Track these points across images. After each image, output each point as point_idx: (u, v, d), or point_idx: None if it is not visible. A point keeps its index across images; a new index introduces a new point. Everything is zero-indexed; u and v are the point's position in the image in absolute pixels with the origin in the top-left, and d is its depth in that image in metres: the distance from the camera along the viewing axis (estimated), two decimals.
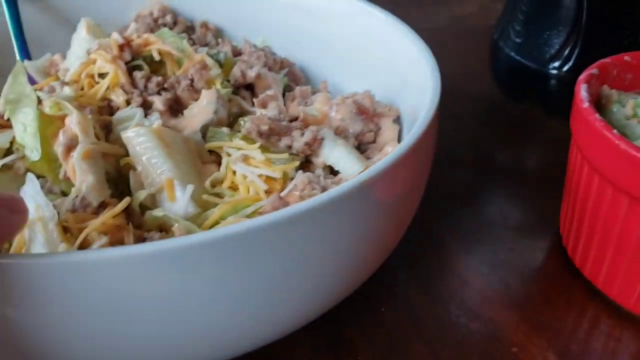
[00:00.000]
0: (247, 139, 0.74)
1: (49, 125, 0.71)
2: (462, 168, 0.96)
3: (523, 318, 0.72)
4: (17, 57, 0.92)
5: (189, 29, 1.04)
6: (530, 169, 1.00)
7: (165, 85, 0.83)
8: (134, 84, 0.82)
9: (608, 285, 0.74)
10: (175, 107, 0.82)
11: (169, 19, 1.02)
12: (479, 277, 0.78)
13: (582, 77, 0.75)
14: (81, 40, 0.91)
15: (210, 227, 0.66)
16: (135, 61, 0.84)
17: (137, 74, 0.82)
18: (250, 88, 0.90)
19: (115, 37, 0.83)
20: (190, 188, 0.67)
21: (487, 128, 1.08)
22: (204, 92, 0.82)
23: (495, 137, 1.06)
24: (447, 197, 0.90)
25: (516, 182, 0.95)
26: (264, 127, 0.73)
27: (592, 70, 0.76)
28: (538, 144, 1.05)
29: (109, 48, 0.82)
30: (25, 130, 0.71)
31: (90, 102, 0.78)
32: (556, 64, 1.05)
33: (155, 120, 0.76)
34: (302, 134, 0.74)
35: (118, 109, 0.80)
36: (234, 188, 0.72)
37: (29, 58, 0.93)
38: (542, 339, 0.70)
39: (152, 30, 0.98)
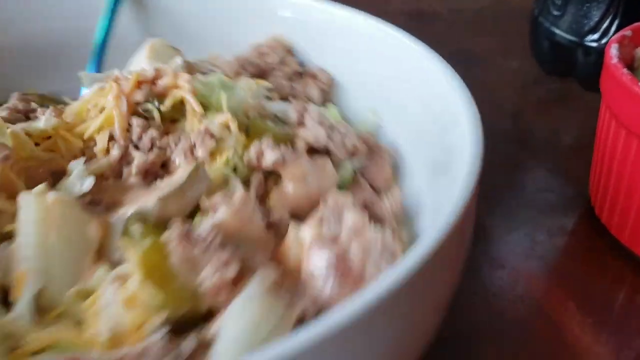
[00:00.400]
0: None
1: None
2: (501, 141, 0.98)
3: (547, 269, 0.74)
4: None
5: (297, 75, 0.89)
6: (568, 141, 1.02)
7: (159, 144, 0.69)
8: (128, 131, 0.69)
9: (632, 240, 0.75)
10: (157, 174, 0.68)
11: (275, 57, 0.88)
12: (504, 231, 0.80)
13: (614, 37, 0.77)
14: (139, 62, 0.82)
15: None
16: (147, 104, 0.71)
17: (136, 121, 0.69)
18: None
19: (118, 73, 0.73)
20: (29, 290, 0.54)
21: (526, 102, 1.10)
22: (181, 167, 0.67)
23: (534, 111, 1.08)
24: (487, 169, 0.91)
25: (554, 154, 0.97)
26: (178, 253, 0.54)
27: (625, 32, 0.77)
28: (576, 117, 1.06)
29: (124, 81, 0.71)
30: None
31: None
32: (595, 36, 1.06)
33: (87, 184, 0.63)
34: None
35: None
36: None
37: (100, 69, 0.89)
38: (564, 290, 0.72)
39: (262, 72, 0.86)
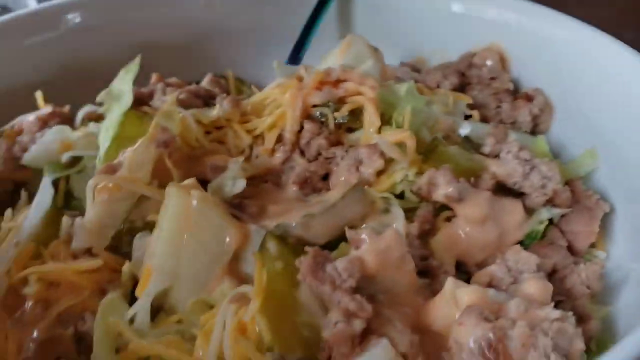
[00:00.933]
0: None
1: (131, 130, 0.62)
2: None
3: None
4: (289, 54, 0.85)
5: (507, 94, 0.76)
6: None
7: (326, 154, 0.63)
8: (298, 134, 0.63)
9: None
10: (315, 186, 0.62)
11: (486, 70, 0.76)
12: None
13: None
14: (332, 58, 0.75)
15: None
16: (324, 108, 0.64)
17: (307, 125, 0.63)
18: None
19: (302, 72, 0.66)
20: (152, 288, 0.52)
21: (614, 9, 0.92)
22: (341, 183, 0.60)
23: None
24: None
25: None
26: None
27: None
28: None
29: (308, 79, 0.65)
30: (106, 131, 0.63)
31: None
32: None
33: (238, 186, 0.58)
34: None
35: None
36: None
37: (297, 61, 0.84)
38: None
39: (466, 85, 0.76)
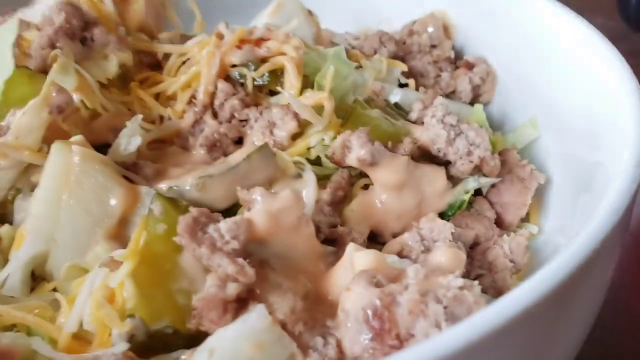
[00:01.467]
0: None
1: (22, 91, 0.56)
2: None
3: None
4: None
5: (448, 62, 0.73)
6: None
7: (239, 116, 0.59)
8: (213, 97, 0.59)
9: None
10: (226, 150, 0.58)
11: (426, 37, 0.72)
12: None
13: None
14: (262, 17, 0.72)
15: None
16: (243, 68, 0.60)
17: (221, 85, 0.59)
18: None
19: (223, 29, 0.62)
20: (24, 253, 0.48)
21: None
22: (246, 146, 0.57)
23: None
24: None
25: None
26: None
27: None
28: None
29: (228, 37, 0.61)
30: None
31: None
32: None
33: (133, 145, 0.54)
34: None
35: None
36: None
37: None
38: None
39: (406, 53, 0.72)
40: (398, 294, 0.40)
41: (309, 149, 0.55)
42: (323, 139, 0.55)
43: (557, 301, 0.35)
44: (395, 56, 0.71)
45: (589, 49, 0.58)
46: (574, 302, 0.39)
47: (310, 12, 0.72)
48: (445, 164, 0.57)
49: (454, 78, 0.71)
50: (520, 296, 0.33)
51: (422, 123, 0.59)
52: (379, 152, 0.53)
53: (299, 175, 0.54)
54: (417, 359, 0.31)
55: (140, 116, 0.55)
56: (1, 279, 0.47)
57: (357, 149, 0.52)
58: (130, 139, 0.53)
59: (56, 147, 0.49)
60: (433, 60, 0.72)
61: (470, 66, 0.71)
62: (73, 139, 0.51)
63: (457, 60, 0.73)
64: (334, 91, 0.58)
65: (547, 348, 0.39)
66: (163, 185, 0.50)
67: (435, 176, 0.55)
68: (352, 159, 0.52)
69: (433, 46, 0.73)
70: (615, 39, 1.05)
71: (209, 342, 0.40)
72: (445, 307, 0.39)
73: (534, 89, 0.66)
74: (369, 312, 0.39)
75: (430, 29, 0.73)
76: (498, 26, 0.70)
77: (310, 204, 0.50)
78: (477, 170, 0.57)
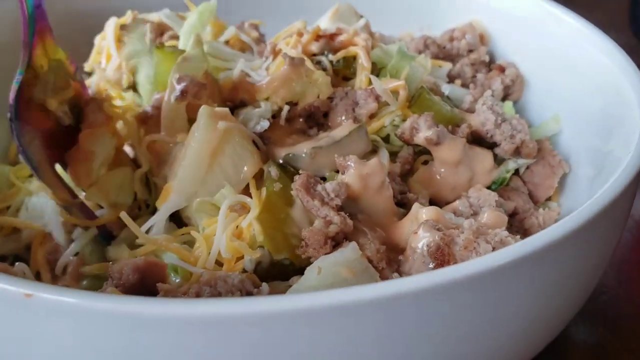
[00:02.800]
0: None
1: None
2: None
3: None
4: None
5: (483, 65, 0.84)
6: None
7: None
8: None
9: None
10: (318, 121, 0.69)
11: (464, 43, 0.84)
12: None
13: None
14: (322, 22, 0.81)
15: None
16: (322, 57, 0.71)
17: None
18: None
19: (301, 26, 0.75)
20: (166, 208, 0.59)
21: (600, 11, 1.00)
22: (344, 124, 0.66)
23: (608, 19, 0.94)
24: None
25: None
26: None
27: None
28: None
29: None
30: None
31: None
32: None
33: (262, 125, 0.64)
34: None
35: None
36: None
37: None
38: None
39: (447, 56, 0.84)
40: (456, 236, 0.52)
41: (382, 127, 0.67)
42: (394, 120, 0.67)
43: (592, 230, 0.47)
44: (436, 58, 0.84)
45: (608, 58, 0.70)
46: (602, 236, 0.51)
47: (362, 16, 0.84)
48: (491, 147, 0.70)
49: (487, 79, 0.83)
50: (565, 222, 0.45)
51: (473, 113, 0.72)
52: (443, 133, 0.65)
53: (374, 152, 0.65)
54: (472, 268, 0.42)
55: (269, 104, 0.66)
56: (148, 226, 0.58)
57: (424, 130, 0.64)
58: (260, 120, 0.64)
59: (204, 113, 0.59)
60: (470, 63, 0.84)
61: (502, 69, 0.84)
62: (218, 109, 0.61)
63: (491, 64, 0.86)
64: (407, 80, 0.70)
65: (578, 274, 0.52)
66: (281, 152, 0.62)
67: (484, 157, 0.68)
68: (420, 138, 0.64)
69: (470, 51, 0.85)
70: (630, 56, 1.11)
71: (316, 263, 0.52)
72: (493, 248, 0.51)
73: (557, 90, 0.78)
74: (433, 247, 0.52)
75: (468, 36, 0.86)
76: (527, 35, 0.83)
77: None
78: (517, 153, 0.70)
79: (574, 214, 0.47)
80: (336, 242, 0.54)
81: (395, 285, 0.39)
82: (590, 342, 0.72)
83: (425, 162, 0.68)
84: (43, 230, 0.62)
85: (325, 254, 0.53)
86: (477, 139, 0.70)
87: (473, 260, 0.42)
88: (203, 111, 0.60)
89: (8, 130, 0.60)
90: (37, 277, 0.59)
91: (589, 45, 0.74)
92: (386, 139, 0.68)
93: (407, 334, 0.42)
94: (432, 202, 0.66)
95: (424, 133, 0.64)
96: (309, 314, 0.37)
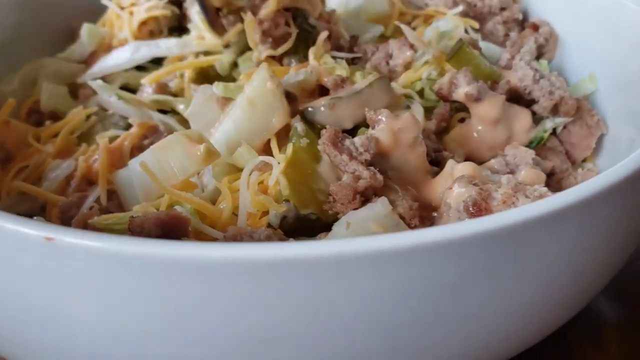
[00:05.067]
0: None
1: None
2: None
3: None
4: None
5: (516, 23, 0.82)
6: None
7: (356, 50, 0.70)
8: None
9: None
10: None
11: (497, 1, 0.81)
12: None
13: None
14: None
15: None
16: None
17: None
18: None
19: None
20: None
21: None
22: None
23: None
24: None
25: None
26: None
27: None
28: None
29: None
30: None
31: None
32: None
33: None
34: None
35: None
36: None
37: None
38: None
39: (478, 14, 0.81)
40: (493, 190, 0.50)
41: (418, 79, 0.65)
42: (430, 74, 0.65)
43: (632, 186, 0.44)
44: (466, 16, 0.81)
45: None
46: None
47: None
48: (529, 105, 0.67)
49: (520, 38, 0.80)
50: (608, 174, 0.42)
51: (510, 68, 0.69)
52: (483, 89, 0.62)
53: (407, 107, 0.62)
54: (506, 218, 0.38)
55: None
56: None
57: (464, 86, 0.61)
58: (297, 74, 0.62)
59: (261, 73, 0.58)
60: (503, 21, 0.81)
61: (535, 27, 0.80)
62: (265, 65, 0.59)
63: (524, 22, 0.83)
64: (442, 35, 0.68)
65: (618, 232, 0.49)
66: (306, 107, 0.59)
67: (523, 115, 0.65)
68: (459, 94, 0.62)
69: (502, 9, 0.82)
70: None
71: (344, 218, 0.50)
72: (532, 201, 0.48)
73: (593, 49, 0.75)
74: (469, 202, 0.49)
75: None
76: None
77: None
78: (555, 110, 0.67)
79: (616, 167, 0.43)
80: (365, 197, 0.52)
81: (433, 233, 0.36)
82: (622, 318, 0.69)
83: (462, 120, 0.65)
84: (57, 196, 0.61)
85: (354, 209, 0.51)
86: (515, 97, 0.67)
87: (514, 209, 0.40)
88: (261, 72, 0.58)
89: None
90: None
91: (627, 2, 0.70)
92: (420, 94, 0.65)
93: (439, 289, 0.39)
94: (468, 160, 0.63)
95: (464, 88, 0.62)
96: (342, 260, 0.35)
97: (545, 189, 0.51)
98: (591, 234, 0.44)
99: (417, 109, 0.62)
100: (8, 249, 0.37)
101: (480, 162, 0.62)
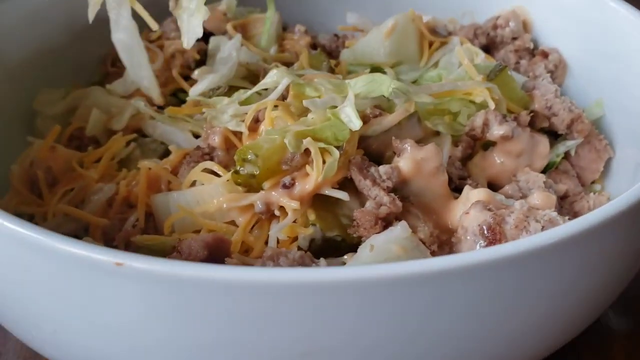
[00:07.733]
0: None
1: None
2: None
3: None
4: None
5: (527, 52, 0.86)
6: None
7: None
8: None
9: None
10: None
11: (508, 31, 0.86)
12: None
13: None
14: None
15: None
16: None
17: None
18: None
19: None
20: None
21: None
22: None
23: None
24: None
25: None
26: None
27: None
28: None
29: None
30: None
31: None
32: None
33: None
34: None
35: None
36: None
37: None
38: None
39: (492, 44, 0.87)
40: (507, 215, 0.55)
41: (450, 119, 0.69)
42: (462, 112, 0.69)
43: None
44: (483, 47, 0.86)
45: None
46: None
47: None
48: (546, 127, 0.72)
49: (530, 65, 0.84)
50: (615, 203, 0.47)
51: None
52: (515, 128, 0.67)
53: (437, 134, 0.67)
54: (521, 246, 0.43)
55: None
56: None
57: (497, 128, 0.66)
58: None
59: None
60: (514, 50, 0.86)
61: (545, 55, 0.85)
62: None
63: (534, 50, 0.87)
64: None
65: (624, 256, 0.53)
66: None
67: (543, 144, 0.70)
68: (494, 136, 0.66)
69: (514, 38, 0.87)
70: None
71: (368, 241, 0.55)
72: (542, 227, 0.53)
73: (599, 76, 0.79)
74: (484, 227, 0.54)
75: (511, 24, 0.87)
76: (569, 22, 0.83)
77: (445, 159, 0.63)
78: (569, 129, 0.72)
79: (624, 196, 0.48)
80: (387, 222, 0.57)
81: (444, 261, 0.41)
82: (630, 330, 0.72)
83: (485, 146, 0.70)
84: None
85: (376, 233, 0.55)
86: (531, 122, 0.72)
87: (523, 238, 0.45)
88: None
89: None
90: None
91: (633, 31, 0.74)
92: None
93: (457, 310, 0.44)
94: (489, 187, 0.67)
95: (499, 131, 0.66)
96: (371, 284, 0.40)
97: (555, 213, 0.55)
98: (598, 260, 0.49)
99: (446, 137, 0.66)
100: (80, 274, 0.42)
101: (500, 187, 0.68)
